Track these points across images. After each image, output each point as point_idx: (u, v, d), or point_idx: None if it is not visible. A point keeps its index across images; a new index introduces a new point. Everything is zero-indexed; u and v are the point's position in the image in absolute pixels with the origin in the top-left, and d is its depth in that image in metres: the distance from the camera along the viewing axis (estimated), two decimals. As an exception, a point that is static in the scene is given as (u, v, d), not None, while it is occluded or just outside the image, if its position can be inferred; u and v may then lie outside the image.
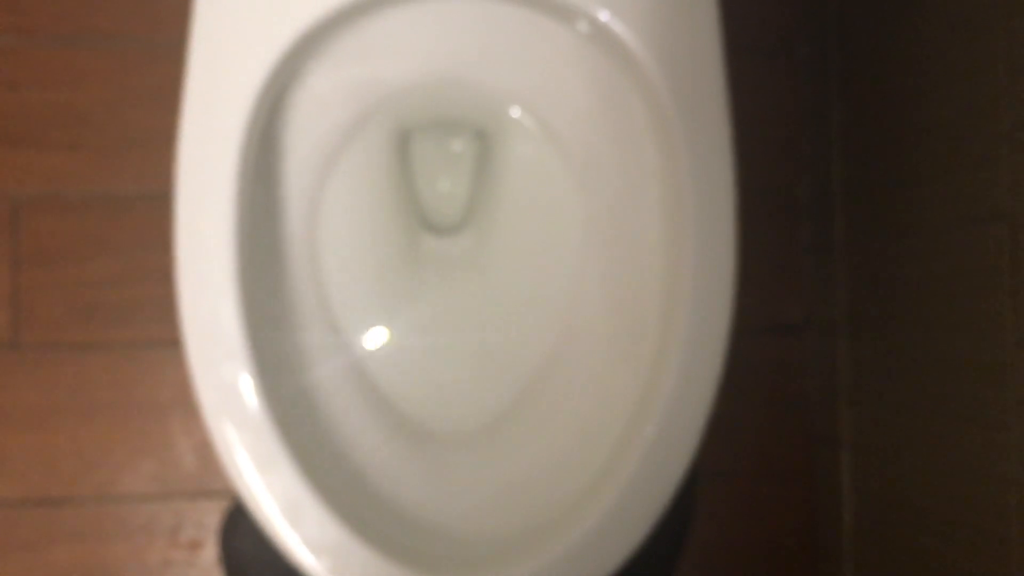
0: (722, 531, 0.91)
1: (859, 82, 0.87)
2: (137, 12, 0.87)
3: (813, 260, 0.93)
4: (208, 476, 0.86)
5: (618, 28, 0.56)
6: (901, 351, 0.80)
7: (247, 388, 0.54)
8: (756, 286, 0.90)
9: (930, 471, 0.75)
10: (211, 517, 0.86)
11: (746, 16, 0.91)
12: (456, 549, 0.59)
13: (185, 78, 0.56)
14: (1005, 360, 0.65)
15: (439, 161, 0.74)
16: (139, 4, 0.87)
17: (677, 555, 0.84)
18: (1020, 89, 0.65)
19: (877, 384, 0.84)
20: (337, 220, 0.66)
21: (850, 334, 0.88)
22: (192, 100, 0.56)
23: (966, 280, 0.70)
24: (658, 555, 0.83)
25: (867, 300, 0.85)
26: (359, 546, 0.54)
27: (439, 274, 0.72)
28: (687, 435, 0.56)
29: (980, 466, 0.68)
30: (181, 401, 0.86)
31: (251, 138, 0.56)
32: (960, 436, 0.71)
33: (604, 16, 0.56)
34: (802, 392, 0.93)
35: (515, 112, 0.68)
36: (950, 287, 0.72)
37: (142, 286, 0.86)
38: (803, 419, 0.93)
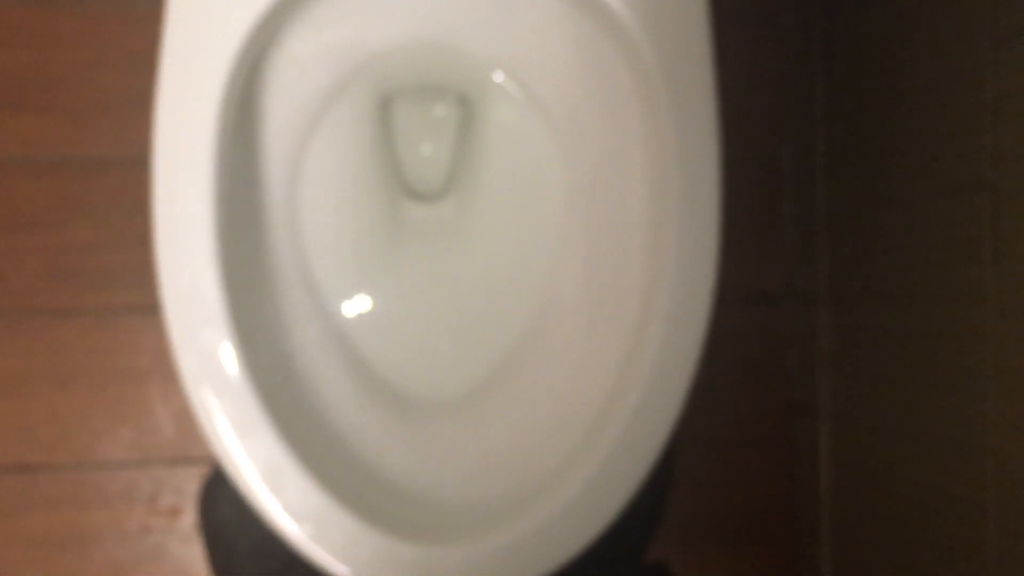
0: (701, 498, 0.92)
1: (843, 51, 0.87)
2: (112, -29, 0.86)
3: (795, 230, 0.93)
4: (187, 443, 0.86)
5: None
6: (882, 321, 0.80)
7: (227, 354, 0.54)
8: (738, 255, 0.90)
9: (908, 440, 0.76)
10: (190, 484, 0.86)
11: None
12: (438, 516, 0.59)
13: (162, 41, 0.55)
14: (985, 330, 0.66)
15: (421, 126, 0.73)
16: (114, -37, 0.86)
17: (656, 521, 0.84)
18: (1003, 59, 0.65)
19: (857, 354, 0.84)
20: (318, 185, 0.65)
21: (831, 304, 0.88)
22: (169, 63, 0.55)
23: (947, 250, 0.70)
24: (637, 521, 0.83)
25: (848, 270, 0.86)
26: (341, 512, 0.53)
27: (421, 241, 0.71)
28: (670, 402, 0.56)
29: (958, 435, 0.69)
30: (159, 367, 0.85)
31: (230, 101, 0.55)
32: (939, 405, 0.71)
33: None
34: (782, 361, 0.93)
35: (498, 77, 0.67)
36: (931, 257, 0.72)
37: (118, 251, 0.85)
38: (783, 388, 0.93)
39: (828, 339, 0.88)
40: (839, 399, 0.87)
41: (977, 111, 0.67)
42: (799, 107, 0.92)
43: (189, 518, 0.86)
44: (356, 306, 0.67)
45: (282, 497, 0.54)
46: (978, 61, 0.67)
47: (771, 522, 0.93)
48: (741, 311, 0.92)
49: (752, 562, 0.94)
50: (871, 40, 0.82)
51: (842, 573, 0.88)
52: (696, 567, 0.92)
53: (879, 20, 0.80)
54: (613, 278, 0.62)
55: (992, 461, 0.65)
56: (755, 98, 0.93)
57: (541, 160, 0.66)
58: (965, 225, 0.68)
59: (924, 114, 0.73)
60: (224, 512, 0.80)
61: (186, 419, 0.86)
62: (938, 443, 0.71)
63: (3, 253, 0.84)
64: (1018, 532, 0.63)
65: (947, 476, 0.70)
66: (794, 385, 0.93)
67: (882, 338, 0.80)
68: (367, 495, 0.57)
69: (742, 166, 0.91)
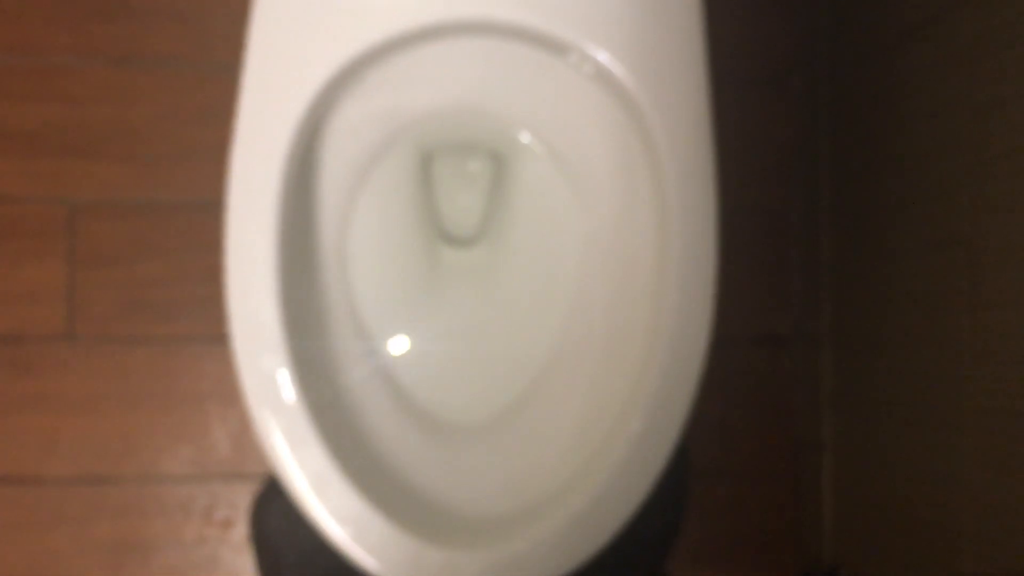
0: (711, 525, 0.98)
1: (846, 113, 0.94)
2: (188, 37, 0.95)
3: (801, 277, 0.99)
4: (241, 460, 0.94)
5: (617, 71, 0.63)
6: (878, 363, 0.86)
7: (284, 378, 0.62)
8: (747, 299, 0.97)
9: (899, 473, 0.82)
10: (243, 498, 0.94)
11: (747, 51, 0.98)
12: (463, 525, 0.66)
13: (237, 104, 0.64)
14: (962, 373, 0.72)
15: (458, 180, 0.82)
16: (190, 30, 0.95)
17: (667, 545, 0.90)
18: (981, 128, 0.71)
19: (856, 393, 0.90)
20: (365, 232, 0.74)
21: (833, 346, 0.95)
22: (243, 124, 0.63)
23: (931, 299, 0.76)
24: (653, 548, 0.90)
25: (849, 315, 0.92)
26: (377, 518, 0.61)
27: (455, 281, 0.79)
28: (669, 430, 0.63)
29: (938, 469, 0.75)
30: (218, 392, 0.94)
31: (293, 159, 0.64)
32: (924, 441, 0.77)
33: (602, 57, 0.63)
34: (789, 399, 0.99)
35: (525, 137, 0.75)
36: (920, 304, 0.79)
37: (185, 286, 0.94)
38: (789, 424, 0.99)
39: (831, 379, 0.95)
40: (841, 435, 0.93)
41: (956, 174, 0.74)
42: (806, 164, 0.99)
43: (241, 530, 0.94)
44: (397, 339, 0.75)
45: (327, 503, 0.61)
46: (959, 128, 0.74)
47: (776, 548, 0.99)
48: (751, 351, 0.99)
49: (760, 588, 1.00)
50: (871, 105, 0.89)
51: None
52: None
53: (878, 88, 0.88)
54: (623, 317, 0.69)
55: (967, 493, 0.71)
56: (766, 155, 1.00)
57: (562, 211, 0.74)
58: (945, 277, 0.74)
59: (913, 175, 0.80)
60: (273, 525, 0.88)
61: (241, 439, 0.94)
62: (922, 476, 0.77)
63: (84, 285, 0.93)
64: (991, 557, 0.69)
65: (928, 506, 0.76)
66: (800, 422, 0.99)
67: (878, 379, 0.86)
68: (402, 505, 0.65)
69: (753, 217, 0.98)
